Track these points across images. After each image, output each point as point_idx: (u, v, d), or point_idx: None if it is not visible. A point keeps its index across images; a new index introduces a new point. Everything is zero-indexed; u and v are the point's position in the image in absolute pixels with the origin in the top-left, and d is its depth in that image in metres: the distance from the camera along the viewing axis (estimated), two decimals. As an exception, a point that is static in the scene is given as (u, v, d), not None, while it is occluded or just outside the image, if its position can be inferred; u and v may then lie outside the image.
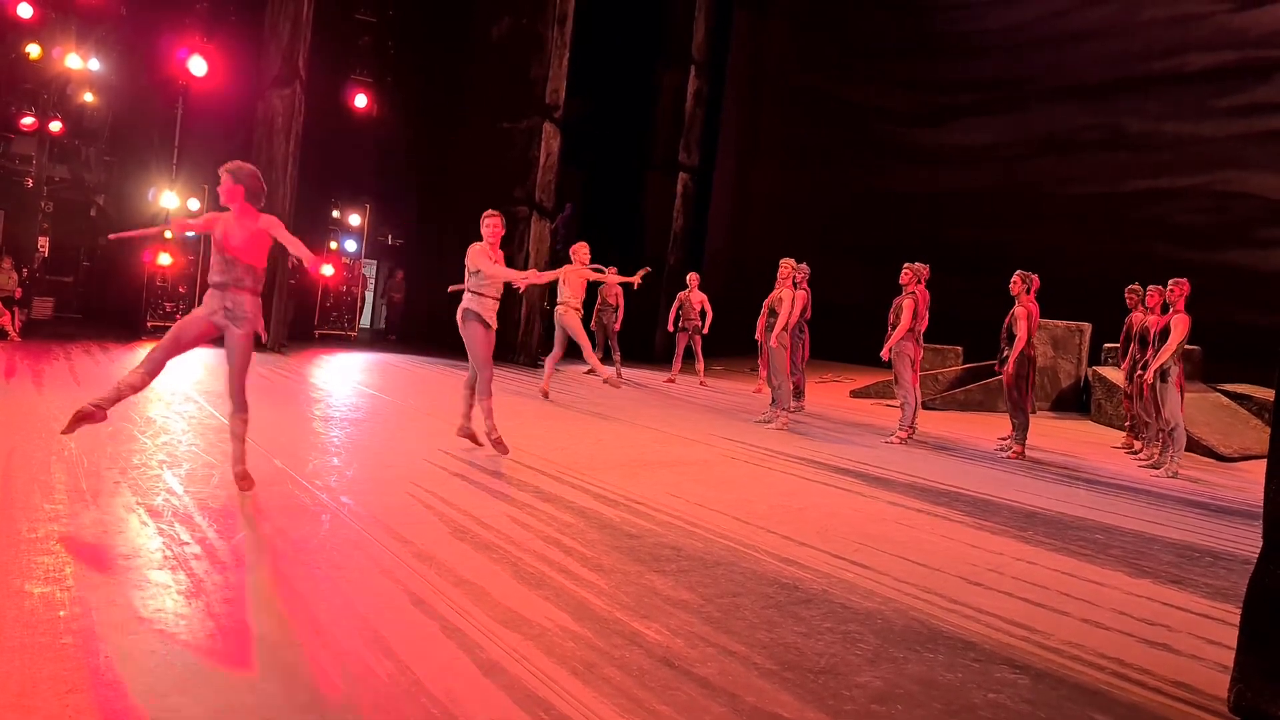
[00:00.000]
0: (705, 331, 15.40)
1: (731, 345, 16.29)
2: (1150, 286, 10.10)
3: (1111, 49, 17.12)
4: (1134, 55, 16.85)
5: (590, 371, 15.71)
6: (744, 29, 21.87)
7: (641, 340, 18.03)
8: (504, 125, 17.71)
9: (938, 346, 15.44)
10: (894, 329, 10.32)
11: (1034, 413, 10.38)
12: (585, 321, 12.53)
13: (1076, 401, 14.58)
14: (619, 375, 15.52)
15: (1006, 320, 10.11)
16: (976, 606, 4.47)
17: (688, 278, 15.66)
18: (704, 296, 15.47)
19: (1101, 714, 3.37)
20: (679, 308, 15.60)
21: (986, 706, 3.33)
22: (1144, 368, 9.78)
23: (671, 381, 15.32)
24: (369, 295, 21.98)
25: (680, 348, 15.67)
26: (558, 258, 19.16)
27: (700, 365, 15.54)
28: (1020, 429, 10.00)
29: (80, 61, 17.28)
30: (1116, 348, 10.88)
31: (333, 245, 19.31)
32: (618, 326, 15.66)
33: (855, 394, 15.46)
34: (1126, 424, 11.38)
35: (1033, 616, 4.40)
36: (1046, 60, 17.94)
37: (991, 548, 5.74)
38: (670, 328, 15.79)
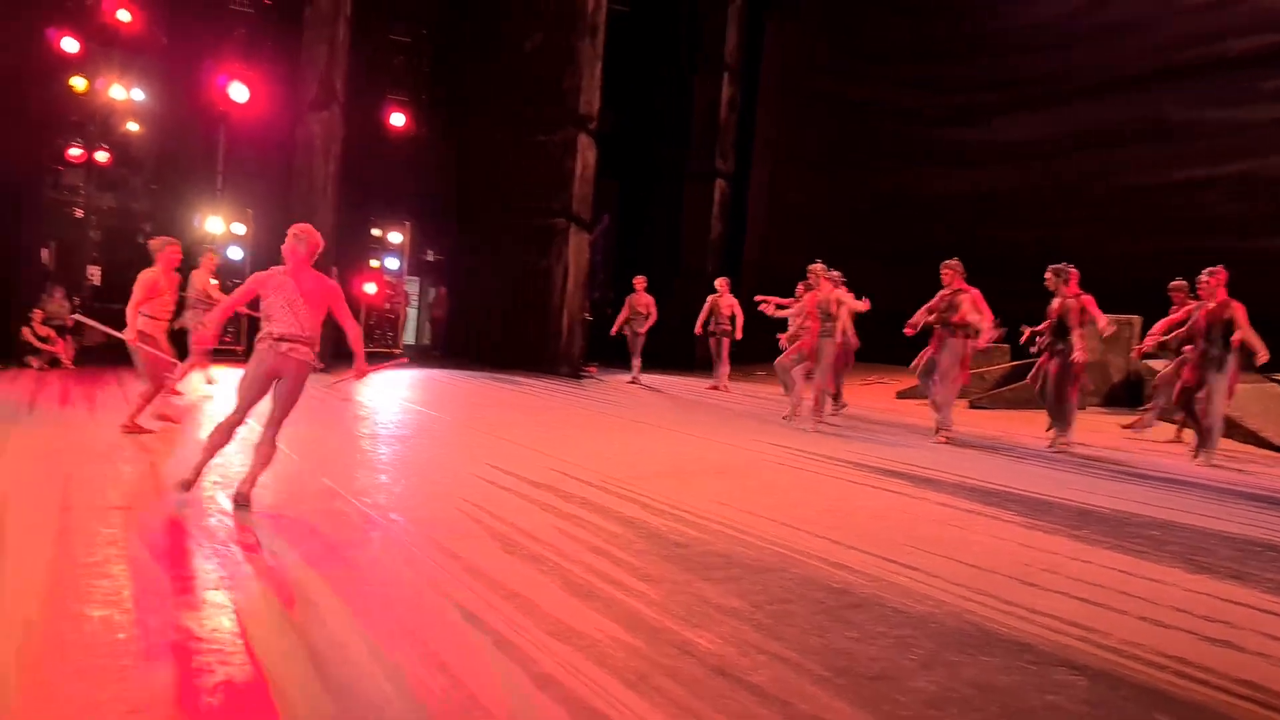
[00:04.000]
0: (738, 336, 15.34)
1: (768, 350, 16.20)
2: (1206, 272, 9.73)
3: (1149, 38, 16.83)
4: (1173, 43, 16.55)
5: (634, 380, 15.77)
6: (775, 34, 21.83)
7: (684, 349, 18.02)
8: (539, 138, 17.80)
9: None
10: (955, 324, 10.07)
11: (1084, 409, 10.24)
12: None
13: (1128, 396, 14.34)
14: (636, 379, 15.57)
15: (1054, 315, 9.93)
16: (1031, 607, 4.40)
17: (716, 282, 15.61)
18: (734, 301, 15.42)
19: (1164, 714, 3.31)
20: (710, 312, 15.54)
21: (1044, 709, 3.28)
22: (1203, 355, 9.49)
23: (715, 388, 15.30)
24: (412, 312, 22.18)
25: (713, 352, 15.63)
26: (596, 269, 19.25)
27: (725, 370, 15.48)
28: (1061, 426, 9.92)
29: (124, 92, 17.62)
30: (1166, 340, 10.68)
31: (374, 263, 19.52)
32: (643, 331, 15.67)
33: (901, 395, 15.34)
34: (1178, 418, 11.15)
35: (1090, 616, 4.33)
36: (1082, 54, 17.66)
37: (1045, 547, 5.66)
38: (699, 331, 15.73)
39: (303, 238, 5.70)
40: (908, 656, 3.68)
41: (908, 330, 10.42)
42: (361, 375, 5.98)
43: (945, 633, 3.99)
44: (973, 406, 13.97)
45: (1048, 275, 9.99)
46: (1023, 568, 5.12)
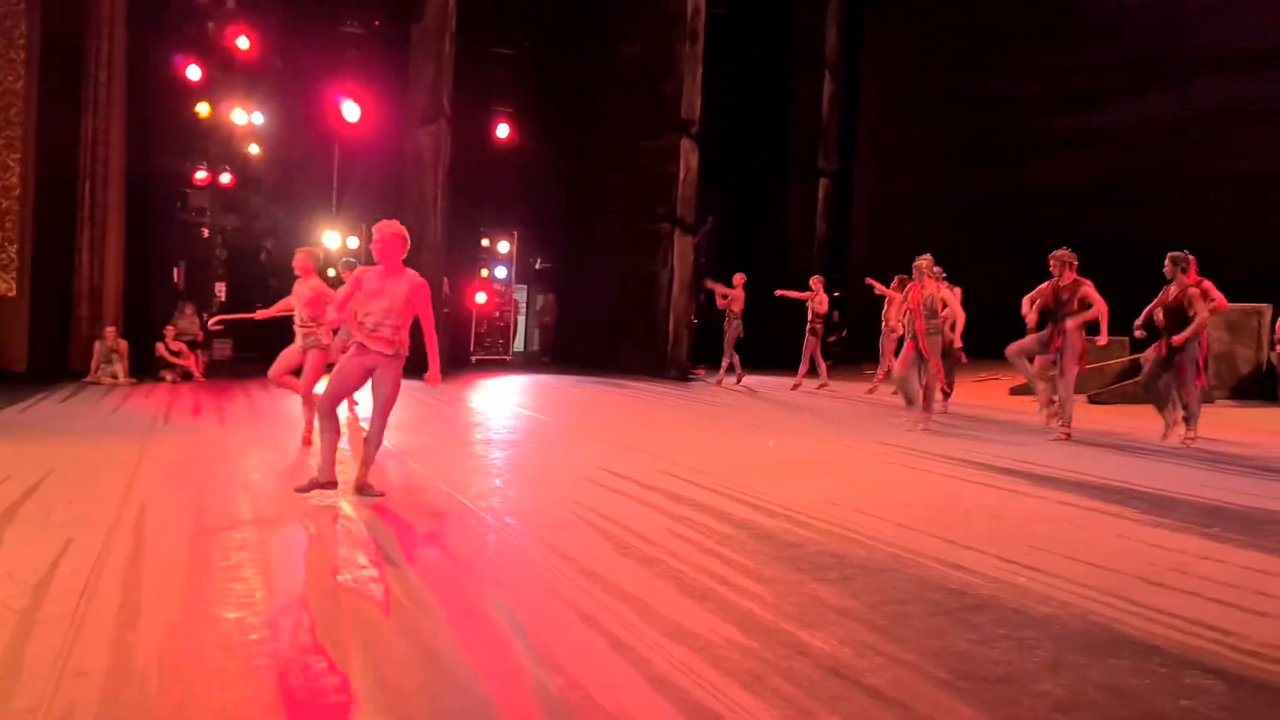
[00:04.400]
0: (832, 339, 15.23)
1: (872, 349, 15.95)
2: None
3: (1266, 14, 16.07)
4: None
5: (719, 382, 15.75)
6: (875, 30, 21.55)
7: (781, 348, 17.91)
8: (642, 144, 17.92)
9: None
10: (1072, 317, 9.78)
11: (1213, 402, 9.85)
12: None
13: (1259, 388, 13.72)
14: (739, 380, 15.52)
15: (1174, 304, 9.58)
16: (1160, 608, 4.25)
17: (810, 281, 15.44)
18: (826, 299, 15.30)
19: (1307, 720, 3.17)
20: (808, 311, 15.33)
21: (1179, 714, 3.16)
22: None
23: (825, 386, 15.16)
24: (521, 320, 22.54)
25: (812, 351, 15.43)
26: (701, 272, 19.24)
27: (823, 367, 15.31)
28: (1189, 417, 9.58)
29: (245, 116, 18.36)
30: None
31: (484, 273, 19.92)
32: (742, 334, 15.60)
33: (1015, 391, 14.95)
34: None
35: (1224, 618, 4.15)
36: (1198, 32, 16.97)
37: (1173, 546, 5.45)
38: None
39: (380, 232, 5.99)
40: (1031, 659, 3.60)
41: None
42: (434, 381, 6.19)
43: (1069, 635, 3.88)
44: (1092, 401, 13.54)
45: (1166, 263, 9.67)
46: (1149, 567, 4.95)
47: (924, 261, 10.69)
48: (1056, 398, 10.28)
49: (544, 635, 3.72)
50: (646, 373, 16.91)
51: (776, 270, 19.22)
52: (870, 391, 14.65)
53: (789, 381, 15.43)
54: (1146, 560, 5.10)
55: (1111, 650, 3.71)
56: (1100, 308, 9.66)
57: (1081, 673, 3.48)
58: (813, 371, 15.43)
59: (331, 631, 3.71)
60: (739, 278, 15.78)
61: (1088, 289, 9.74)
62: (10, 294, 13.81)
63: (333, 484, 5.91)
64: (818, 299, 15.16)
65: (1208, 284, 9.66)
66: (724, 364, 15.85)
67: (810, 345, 15.32)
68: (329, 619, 3.85)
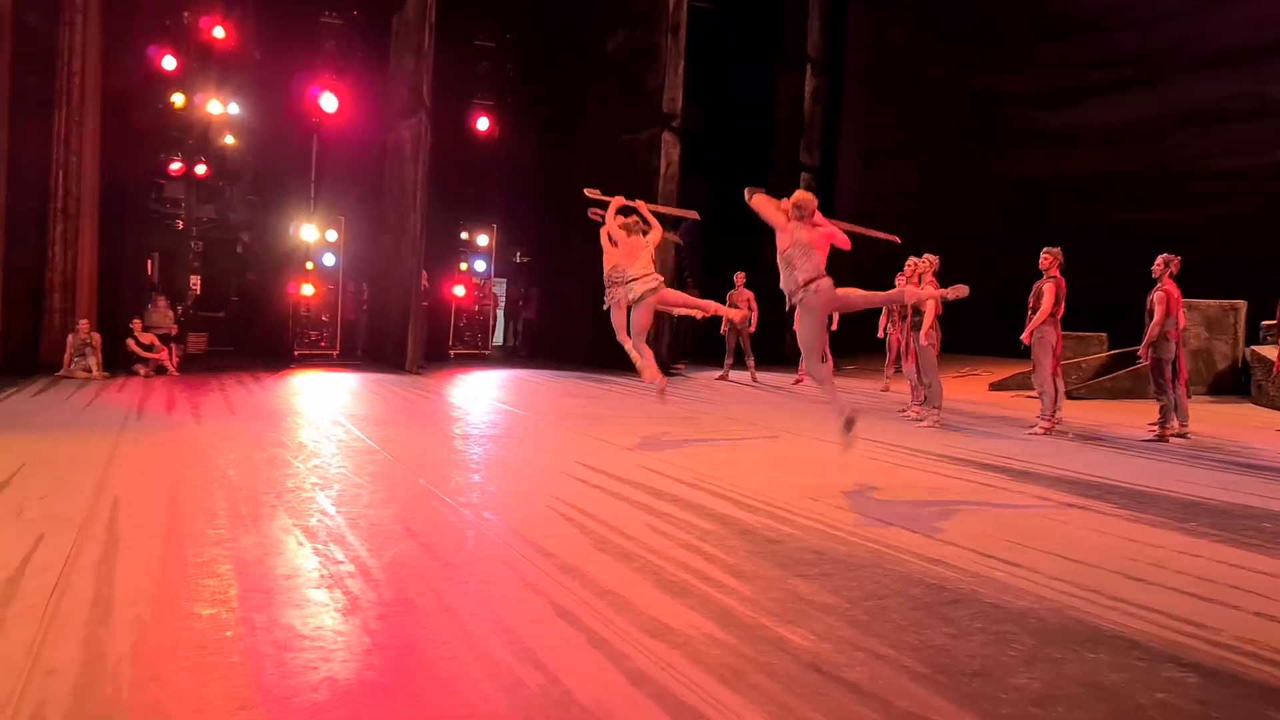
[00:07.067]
0: (833, 328, 15.15)
1: (862, 344, 15.98)
2: None
3: (1249, 14, 16.20)
4: (1274, 18, 15.91)
5: (723, 376, 15.72)
6: (860, 23, 21.56)
7: (772, 343, 17.92)
8: (624, 137, 17.87)
9: (1081, 334, 14.88)
10: (1034, 314, 10.00)
11: (1190, 398, 9.96)
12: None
13: (1235, 384, 13.83)
14: (754, 379, 15.50)
15: (1148, 304, 9.84)
16: (1138, 603, 4.27)
17: None
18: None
19: (1282, 713, 3.18)
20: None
21: (1155, 707, 3.18)
22: None
23: (799, 383, 15.19)
24: (500, 313, 22.48)
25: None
26: (682, 266, 19.22)
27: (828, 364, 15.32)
28: (1164, 412, 9.68)
29: (221, 106, 18.22)
30: (1274, 325, 10.30)
31: (463, 266, 19.83)
32: (751, 330, 15.64)
33: (994, 386, 15.03)
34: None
35: (1200, 611, 4.18)
36: (1183, 30, 17.09)
37: (1150, 541, 5.48)
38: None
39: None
40: (1008, 653, 3.60)
41: (1024, 339, 10.21)
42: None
43: (1047, 629, 3.89)
44: (1070, 397, 13.62)
45: (1158, 262, 9.92)
46: (1127, 562, 4.97)
47: (923, 263, 10.80)
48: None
49: (522, 631, 3.69)
50: (628, 368, 16.85)
51: (759, 265, 19.21)
52: (885, 390, 14.50)
53: (775, 377, 15.44)
54: (1124, 555, 5.12)
55: (1088, 644, 3.72)
56: (1046, 305, 9.80)
57: (1058, 666, 3.48)
58: (793, 363, 15.43)
59: (307, 627, 3.67)
60: (740, 276, 15.83)
61: (1047, 285, 9.91)
62: (-19, 286, 13.64)
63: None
64: None
65: (1173, 289, 9.82)
66: (727, 361, 15.82)
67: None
68: (304, 615, 3.82)
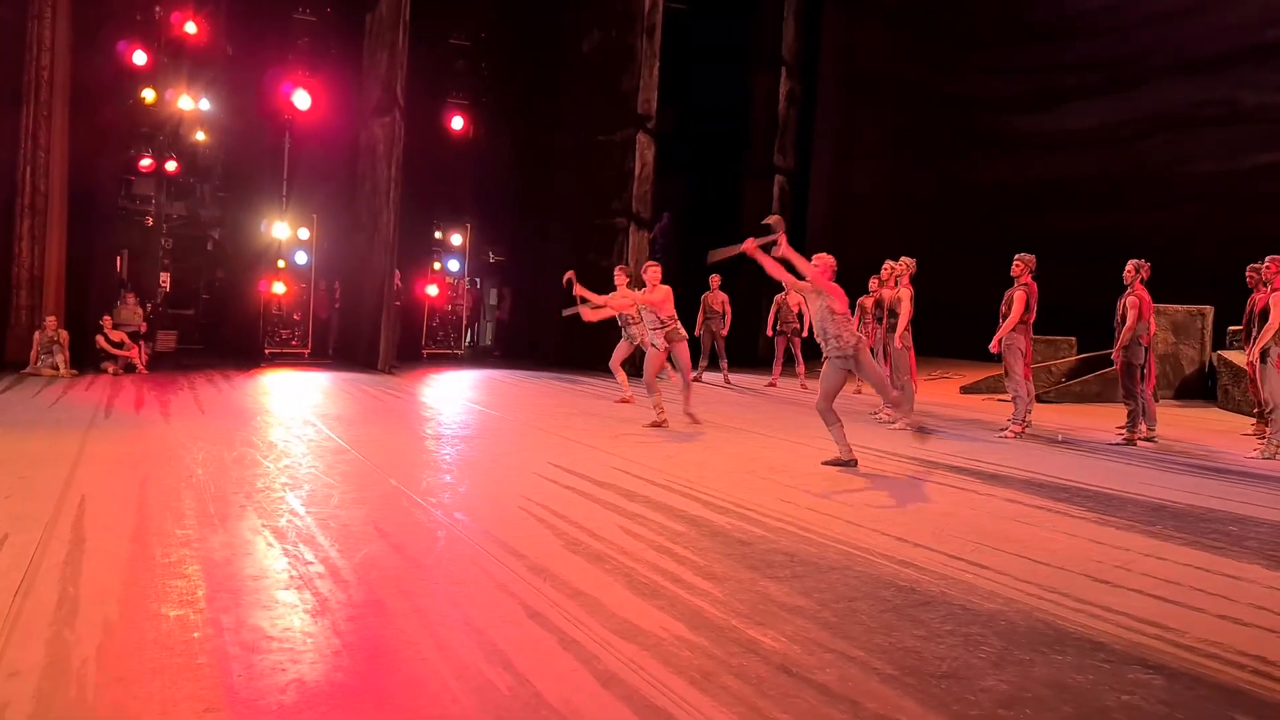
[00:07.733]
0: (805, 334, 15.22)
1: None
2: (1268, 258, 9.65)
3: (1222, 20, 16.41)
4: (1246, 25, 16.11)
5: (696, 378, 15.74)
6: (836, 26, 21.64)
7: (745, 345, 17.97)
8: (599, 138, 17.86)
9: (1050, 338, 15.01)
10: (1004, 320, 10.09)
11: (1158, 401, 10.07)
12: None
13: (1202, 388, 14.00)
14: (727, 380, 15.52)
15: (1119, 309, 9.94)
16: (1104, 605, 4.31)
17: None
18: (799, 298, 15.32)
19: (1244, 714, 3.22)
20: (777, 311, 15.51)
21: (1120, 709, 3.21)
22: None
23: (773, 385, 15.25)
24: (473, 313, 22.42)
25: (780, 351, 15.58)
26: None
27: (800, 368, 15.40)
28: (1132, 416, 9.78)
29: (192, 102, 18.05)
30: (1240, 330, 10.43)
31: (436, 265, 19.75)
32: (725, 333, 15.68)
33: (965, 390, 15.13)
34: (1255, 409, 10.88)
35: (1165, 614, 4.23)
36: (1154, 37, 17.26)
37: (1117, 543, 5.54)
38: (770, 332, 15.70)
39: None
40: (977, 655, 3.63)
41: (992, 348, 10.30)
42: None
43: (1015, 631, 3.92)
44: (1039, 400, 13.73)
45: (1129, 267, 10.02)
46: (1095, 565, 5.02)
47: (899, 266, 10.85)
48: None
49: (492, 632, 3.68)
50: (600, 369, 16.85)
51: (732, 268, 19.26)
52: (857, 392, 14.53)
53: (748, 379, 15.48)
54: (1092, 558, 5.17)
55: (1056, 646, 3.76)
56: (1015, 311, 9.94)
57: (1026, 668, 3.51)
58: (767, 365, 15.52)
59: (275, 628, 3.64)
60: (715, 278, 15.86)
61: (1018, 292, 10.00)
62: (-53, 283, 13.46)
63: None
64: (791, 297, 15.21)
65: (1144, 295, 9.94)
66: (702, 363, 15.85)
67: (780, 344, 15.45)
68: (273, 616, 3.79)
